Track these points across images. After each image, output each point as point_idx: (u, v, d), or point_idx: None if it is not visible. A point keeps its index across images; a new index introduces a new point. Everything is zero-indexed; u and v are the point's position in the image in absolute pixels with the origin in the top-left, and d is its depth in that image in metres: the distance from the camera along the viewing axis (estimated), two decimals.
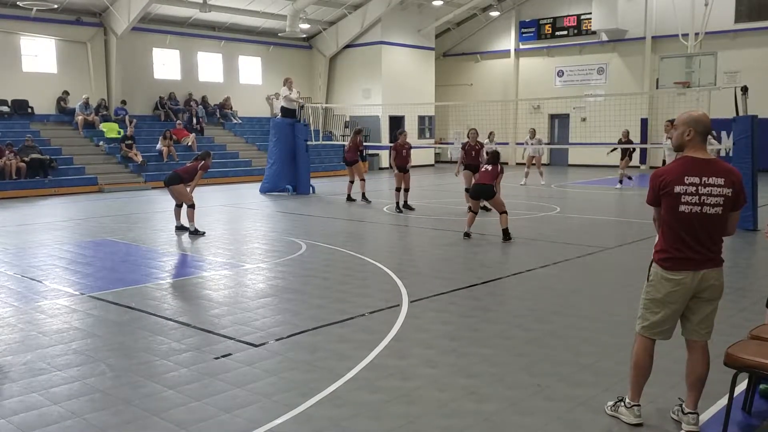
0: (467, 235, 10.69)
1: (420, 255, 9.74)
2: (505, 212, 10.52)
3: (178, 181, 11.48)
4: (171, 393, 4.51)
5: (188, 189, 11.51)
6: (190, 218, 11.44)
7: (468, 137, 13.70)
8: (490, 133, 19.93)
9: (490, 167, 10.65)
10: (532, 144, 20.70)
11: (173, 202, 11.85)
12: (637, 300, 4.05)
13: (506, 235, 10.39)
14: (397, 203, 14.28)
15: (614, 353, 5.22)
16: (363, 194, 15.85)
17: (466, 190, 13.17)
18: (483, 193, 10.57)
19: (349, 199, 16.11)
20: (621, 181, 19.19)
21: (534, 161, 20.84)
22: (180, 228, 11.69)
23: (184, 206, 11.64)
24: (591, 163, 27.19)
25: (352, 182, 16.29)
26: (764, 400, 4.30)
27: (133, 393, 4.52)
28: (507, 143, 26.71)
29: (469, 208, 11.32)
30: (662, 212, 3.85)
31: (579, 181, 22.27)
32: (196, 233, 11.29)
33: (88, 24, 23.03)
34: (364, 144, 17.28)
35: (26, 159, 18.61)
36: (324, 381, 4.66)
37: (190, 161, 12.24)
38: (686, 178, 3.75)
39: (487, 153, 12.51)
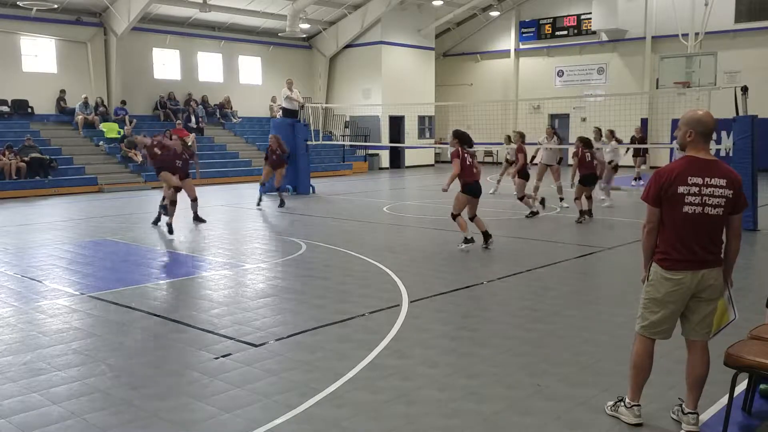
0: (475, 241, 9.81)
1: (420, 255, 9.73)
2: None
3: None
4: (171, 393, 4.51)
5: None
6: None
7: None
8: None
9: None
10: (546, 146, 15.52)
11: None
12: (637, 300, 4.05)
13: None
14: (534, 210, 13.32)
15: (614, 353, 5.22)
16: None
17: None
18: None
19: None
20: (637, 179, 19.38)
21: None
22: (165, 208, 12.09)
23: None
24: None
25: None
26: (764, 400, 4.30)
27: (133, 393, 4.52)
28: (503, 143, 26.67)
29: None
30: (663, 212, 3.83)
31: None
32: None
33: (88, 24, 23.03)
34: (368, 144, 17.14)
35: (26, 159, 18.62)
36: (324, 381, 4.66)
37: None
38: (689, 178, 3.74)
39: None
